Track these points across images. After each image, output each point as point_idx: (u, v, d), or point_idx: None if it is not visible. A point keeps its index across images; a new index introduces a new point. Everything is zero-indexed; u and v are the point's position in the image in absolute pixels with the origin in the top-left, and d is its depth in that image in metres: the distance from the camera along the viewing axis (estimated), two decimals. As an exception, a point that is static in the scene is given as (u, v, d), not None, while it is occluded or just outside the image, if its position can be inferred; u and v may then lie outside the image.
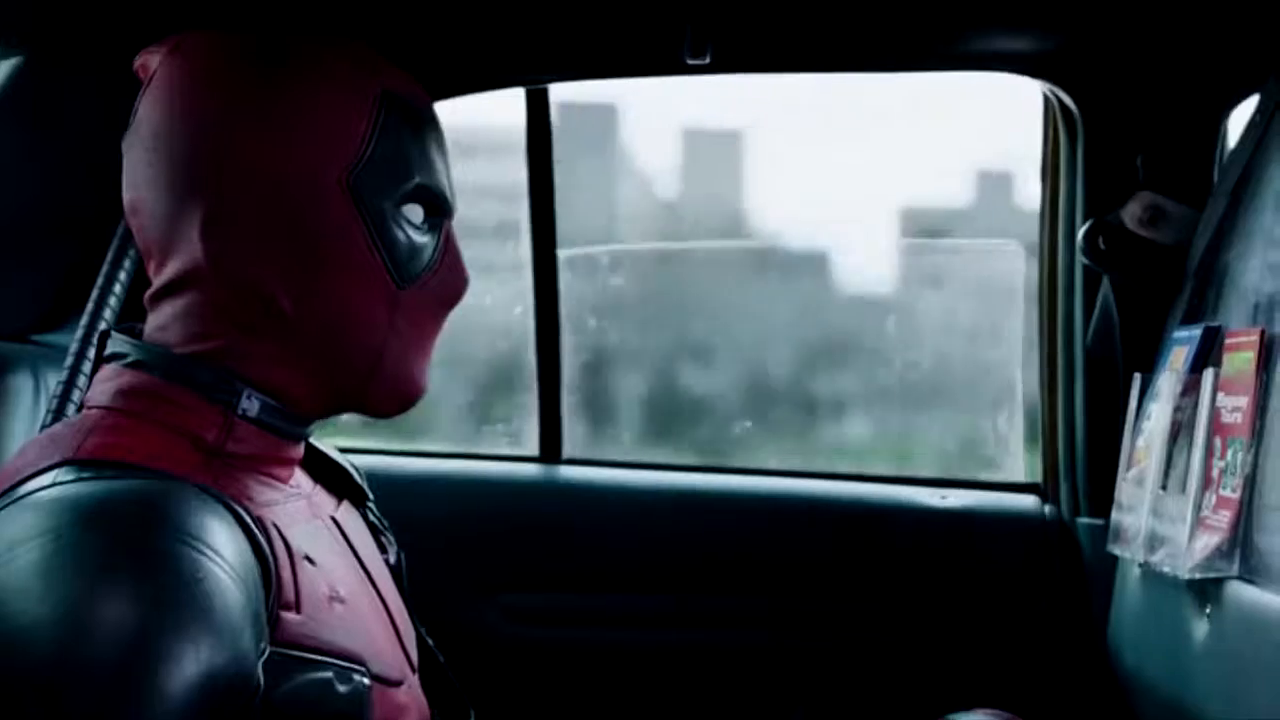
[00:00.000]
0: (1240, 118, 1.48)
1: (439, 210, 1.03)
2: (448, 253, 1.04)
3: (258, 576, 0.89)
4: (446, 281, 1.03)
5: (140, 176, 0.99)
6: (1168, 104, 1.63)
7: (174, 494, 0.87)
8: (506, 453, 2.15)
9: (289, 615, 0.91)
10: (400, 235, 0.99)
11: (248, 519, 0.91)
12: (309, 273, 0.97)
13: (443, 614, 1.39)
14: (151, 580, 0.81)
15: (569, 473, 2.00)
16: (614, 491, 1.96)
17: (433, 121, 1.03)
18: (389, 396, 1.03)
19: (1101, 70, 1.66)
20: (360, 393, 1.02)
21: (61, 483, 0.88)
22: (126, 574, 0.81)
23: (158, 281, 1.00)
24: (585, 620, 1.90)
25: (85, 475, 0.89)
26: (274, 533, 0.93)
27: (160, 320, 1.00)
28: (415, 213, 1.00)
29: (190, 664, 0.80)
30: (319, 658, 0.92)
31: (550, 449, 2.02)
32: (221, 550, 0.86)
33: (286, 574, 0.92)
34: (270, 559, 0.91)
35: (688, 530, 1.91)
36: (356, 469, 1.18)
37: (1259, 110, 1.38)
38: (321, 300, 0.97)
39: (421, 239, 1.01)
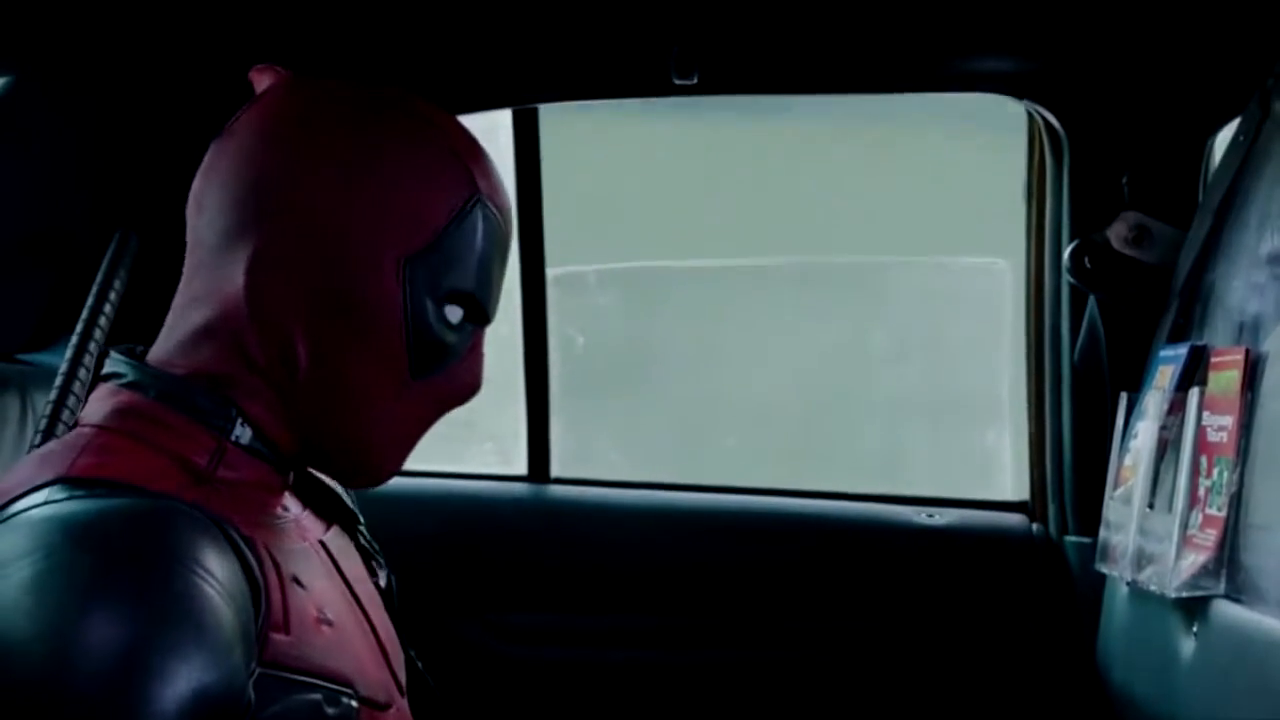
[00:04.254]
0: (1225, 138, 1.49)
1: (478, 318, 1.03)
2: (470, 357, 1.03)
3: (248, 596, 0.89)
4: (458, 383, 1.03)
5: (214, 183, 0.99)
6: (1153, 125, 1.64)
7: (165, 512, 0.87)
8: (494, 472, 2.15)
9: (278, 636, 0.91)
10: (433, 330, 0.99)
11: (238, 539, 0.91)
12: (334, 335, 0.97)
13: (430, 632, 1.38)
14: (143, 598, 0.81)
15: (557, 492, 2.00)
16: (602, 511, 1.96)
17: (506, 235, 1.03)
18: (361, 472, 1.03)
19: (1087, 91, 1.67)
20: (340, 460, 1.02)
21: (54, 501, 0.88)
22: (118, 592, 0.81)
23: (188, 289, 1.00)
24: (572, 639, 1.90)
25: (77, 494, 0.89)
26: (264, 553, 0.93)
27: (176, 328, 1.00)
28: (455, 313, 1.00)
29: (182, 682, 0.79)
30: (308, 679, 0.92)
31: (538, 468, 2.02)
32: (212, 569, 0.86)
33: (275, 595, 0.92)
34: (259, 579, 0.91)
35: (675, 549, 1.91)
36: (348, 492, 1.18)
37: (1241, 132, 1.39)
38: (336, 365, 0.97)
39: (451, 339, 1.01)
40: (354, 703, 0.95)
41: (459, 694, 1.36)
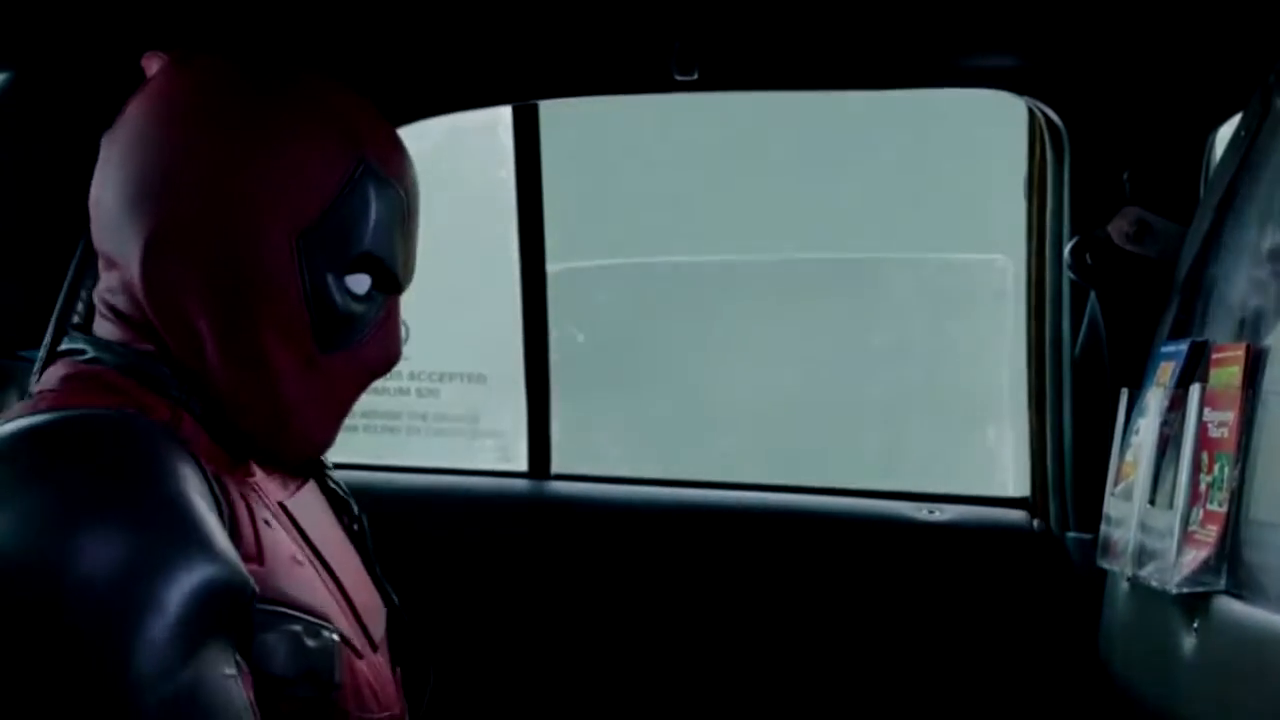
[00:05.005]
0: (1226, 134, 1.49)
1: (388, 286, 1.02)
2: (385, 326, 1.02)
3: (216, 511, 0.89)
4: (374, 353, 1.02)
5: (107, 174, 0.98)
6: (1154, 120, 1.64)
7: (137, 421, 0.88)
8: (495, 468, 2.15)
9: (253, 567, 0.90)
10: (337, 302, 0.98)
11: (204, 465, 0.91)
12: (235, 316, 0.96)
13: (430, 628, 1.38)
14: (133, 498, 0.82)
15: (557, 488, 2.00)
16: (602, 507, 1.96)
17: (404, 196, 1.02)
18: (290, 449, 1.03)
19: (1087, 86, 1.67)
20: (265, 441, 1.01)
21: (19, 417, 0.88)
22: (108, 494, 0.81)
23: (103, 280, 1.01)
24: (573, 634, 1.90)
25: (42, 410, 0.89)
26: (232, 490, 0.94)
27: (104, 322, 1.00)
28: (360, 283, 0.99)
29: (183, 573, 0.80)
30: (286, 610, 0.91)
31: (539, 464, 2.02)
32: (187, 475, 0.86)
33: (246, 528, 0.92)
34: (225, 508, 0.91)
35: (675, 545, 1.91)
36: None
37: (1243, 127, 1.39)
38: (241, 344, 0.97)
39: (359, 309, 1.00)
40: (334, 636, 0.94)
41: (458, 688, 1.36)
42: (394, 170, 1.01)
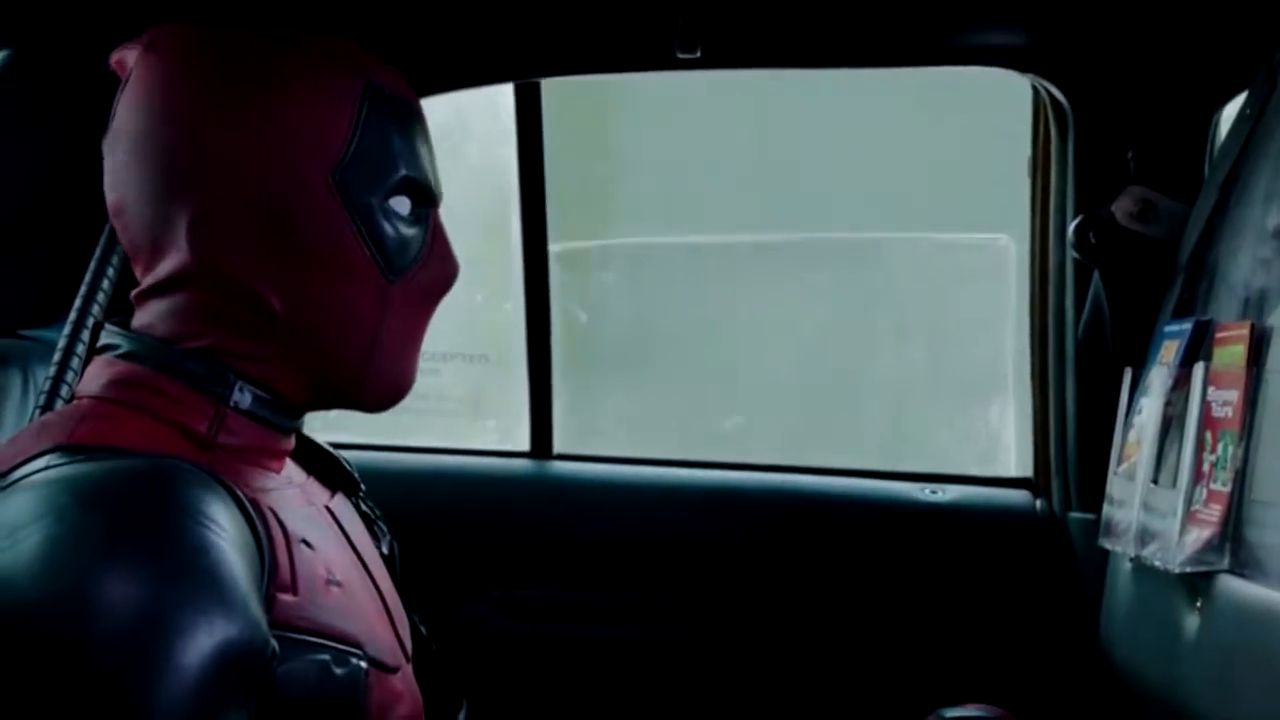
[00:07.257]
0: (1231, 113, 1.49)
1: (426, 200, 1.03)
2: (436, 242, 1.03)
3: (254, 550, 0.89)
4: (436, 272, 1.03)
5: (123, 178, 0.98)
6: (1158, 99, 1.63)
7: (171, 470, 0.87)
8: (498, 448, 2.15)
9: (285, 597, 0.91)
10: (388, 229, 0.99)
11: (241, 496, 0.91)
12: (298, 272, 0.96)
13: (435, 608, 1.39)
14: (157, 556, 0.81)
15: (560, 468, 2.00)
16: (604, 487, 1.96)
17: (416, 111, 1.03)
18: (380, 391, 1.03)
19: (1092, 64, 1.66)
20: (352, 388, 1.02)
21: (56, 465, 0.88)
22: (132, 551, 0.81)
23: (146, 281, 1.00)
24: (576, 615, 1.90)
25: (79, 458, 0.89)
26: (269, 515, 0.93)
27: (147, 318, 1.00)
28: (402, 205, 1.00)
29: (203, 636, 0.80)
30: (316, 639, 0.92)
31: (541, 444, 2.01)
32: (220, 521, 0.86)
33: (283, 555, 0.92)
34: (265, 539, 0.91)
35: (678, 525, 1.91)
36: (347, 461, 1.18)
37: (1248, 106, 1.38)
38: (311, 298, 0.97)
39: (409, 231, 1.01)
40: (362, 664, 0.95)
41: (464, 669, 1.36)
42: (399, 86, 1.02)
